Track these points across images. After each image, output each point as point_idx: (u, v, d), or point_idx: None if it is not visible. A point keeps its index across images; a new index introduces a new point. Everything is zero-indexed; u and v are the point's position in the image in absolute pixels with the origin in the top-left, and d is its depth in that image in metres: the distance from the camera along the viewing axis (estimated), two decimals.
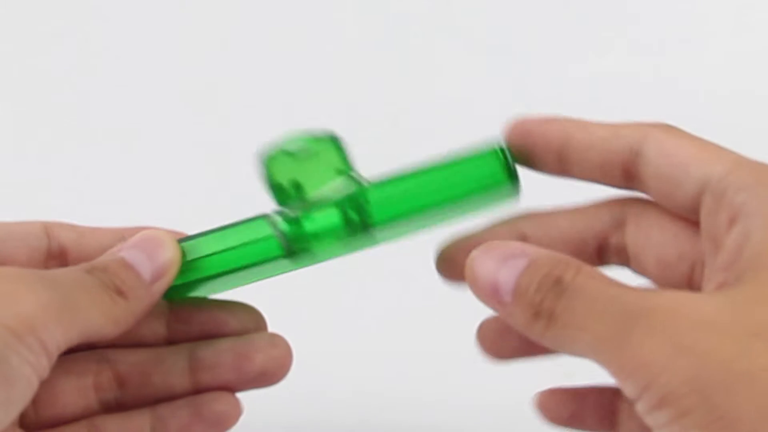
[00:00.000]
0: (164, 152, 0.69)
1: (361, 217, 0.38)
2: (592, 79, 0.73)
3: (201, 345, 0.39)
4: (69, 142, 0.70)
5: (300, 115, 0.71)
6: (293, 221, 0.38)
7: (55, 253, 0.39)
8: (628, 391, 0.32)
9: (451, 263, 0.39)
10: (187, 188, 0.66)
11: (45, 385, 0.35)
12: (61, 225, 0.40)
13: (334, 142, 0.38)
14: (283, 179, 0.38)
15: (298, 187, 0.38)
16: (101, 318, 0.35)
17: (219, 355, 0.39)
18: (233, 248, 0.39)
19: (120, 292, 0.36)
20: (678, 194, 0.36)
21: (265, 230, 0.39)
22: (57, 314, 0.34)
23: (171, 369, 0.39)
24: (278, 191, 0.38)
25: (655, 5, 0.76)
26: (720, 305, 0.32)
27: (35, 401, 0.38)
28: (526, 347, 0.40)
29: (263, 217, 0.39)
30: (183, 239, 0.38)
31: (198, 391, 0.39)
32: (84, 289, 0.35)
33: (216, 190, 0.66)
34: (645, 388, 0.31)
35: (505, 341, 0.40)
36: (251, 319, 0.40)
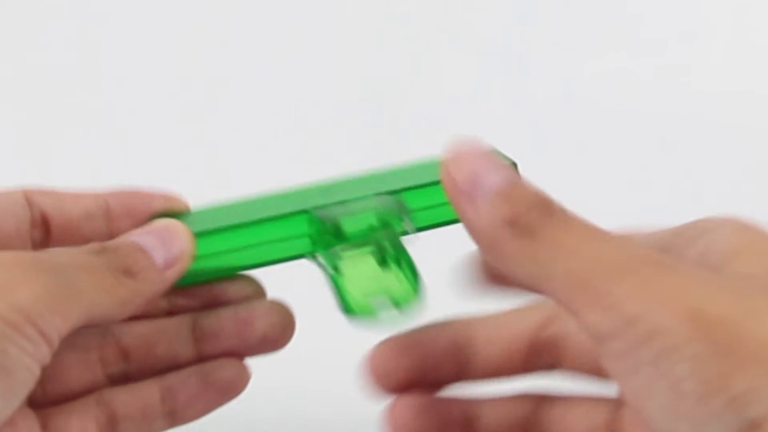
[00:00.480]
0: (162, 148, 0.69)
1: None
2: (592, 79, 0.73)
3: (203, 314, 0.39)
4: (66, 140, 0.70)
5: (299, 114, 0.71)
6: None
7: (38, 221, 0.39)
8: (601, 327, 0.29)
9: (387, 367, 0.38)
10: (185, 184, 0.66)
11: (52, 361, 0.35)
12: (40, 192, 0.39)
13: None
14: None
15: (338, 231, 0.39)
16: (106, 300, 0.35)
17: (220, 323, 0.39)
18: (254, 245, 0.39)
19: (129, 273, 0.36)
20: None
21: (297, 229, 0.39)
22: (54, 302, 0.33)
23: (174, 339, 0.39)
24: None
25: (657, 5, 0.77)
26: (714, 273, 0.32)
27: (42, 379, 0.38)
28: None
29: (297, 213, 0.39)
30: (200, 232, 0.38)
31: (203, 359, 0.39)
32: (88, 271, 0.35)
33: (215, 186, 0.66)
34: (629, 323, 0.29)
35: (423, 424, 0.38)
36: (251, 288, 0.40)
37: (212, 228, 0.39)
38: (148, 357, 0.39)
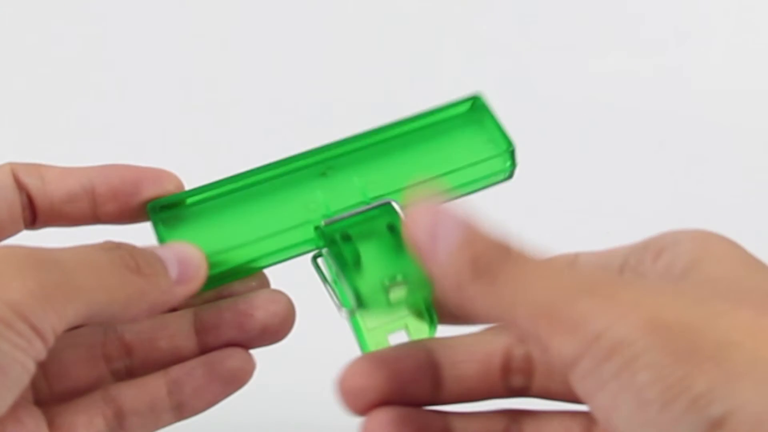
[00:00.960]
0: (162, 145, 0.69)
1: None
2: (592, 79, 0.73)
3: (203, 306, 0.39)
4: (64, 142, 0.70)
5: (299, 113, 0.71)
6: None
7: (25, 203, 0.39)
8: (568, 351, 0.30)
9: (359, 386, 0.37)
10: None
11: (55, 359, 0.35)
12: (26, 168, 0.39)
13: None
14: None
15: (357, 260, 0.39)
16: (106, 298, 0.35)
17: (221, 315, 0.39)
18: (262, 256, 0.40)
19: (138, 271, 0.36)
20: None
21: (307, 234, 0.39)
22: (48, 298, 0.33)
23: (176, 333, 0.39)
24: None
25: (657, 5, 0.77)
26: (669, 283, 0.33)
27: (48, 376, 0.38)
28: None
29: (305, 224, 0.39)
30: (211, 253, 0.39)
31: (205, 352, 0.39)
32: (90, 267, 0.35)
33: None
34: (593, 341, 0.29)
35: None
36: (254, 278, 0.40)
37: (221, 248, 0.39)
38: (151, 351, 0.39)
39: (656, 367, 0.28)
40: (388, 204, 0.39)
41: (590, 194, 0.65)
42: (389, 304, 0.38)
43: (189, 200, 0.40)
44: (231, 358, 0.39)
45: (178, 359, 0.39)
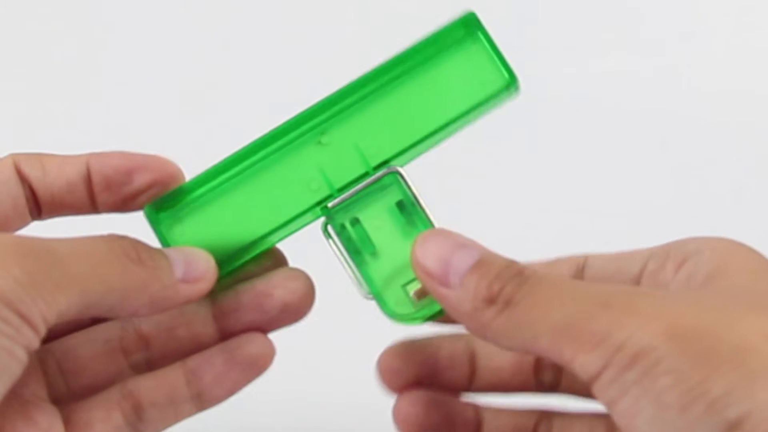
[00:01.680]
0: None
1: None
2: (592, 79, 0.73)
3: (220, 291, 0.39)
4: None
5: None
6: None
7: (29, 196, 0.39)
8: (591, 366, 0.31)
9: (396, 366, 0.39)
10: None
11: (72, 356, 0.34)
12: (28, 159, 0.39)
13: None
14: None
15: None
16: (103, 286, 0.34)
17: (239, 298, 0.39)
18: (279, 240, 0.39)
19: (140, 262, 0.36)
20: None
21: (314, 215, 0.39)
22: (36, 286, 0.33)
23: (194, 319, 0.39)
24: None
25: (657, 5, 0.76)
26: (687, 291, 0.33)
27: (64, 374, 0.38)
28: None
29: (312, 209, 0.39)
30: (220, 260, 0.38)
31: (225, 338, 0.39)
32: (86, 256, 0.35)
33: None
34: (616, 352, 0.30)
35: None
36: (270, 258, 0.40)
37: (228, 247, 0.38)
38: (170, 341, 0.39)
39: (676, 372, 0.29)
40: (394, 173, 0.39)
41: (590, 194, 0.65)
42: (409, 299, 0.38)
43: (185, 197, 0.39)
44: (250, 343, 0.38)
45: (198, 347, 0.39)
